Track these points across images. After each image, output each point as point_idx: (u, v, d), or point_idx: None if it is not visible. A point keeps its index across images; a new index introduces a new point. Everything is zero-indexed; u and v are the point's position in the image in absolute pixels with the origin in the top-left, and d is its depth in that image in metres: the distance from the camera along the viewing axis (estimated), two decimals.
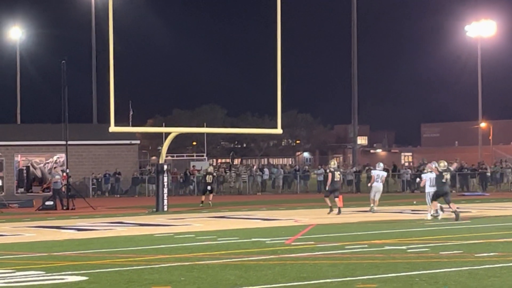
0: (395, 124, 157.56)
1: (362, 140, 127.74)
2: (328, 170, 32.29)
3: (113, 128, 30.65)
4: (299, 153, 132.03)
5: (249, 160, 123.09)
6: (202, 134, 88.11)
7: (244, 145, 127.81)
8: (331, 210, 29.26)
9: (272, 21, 33.93)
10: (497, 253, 15.93)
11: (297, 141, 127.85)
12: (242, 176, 52.08)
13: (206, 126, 69.86)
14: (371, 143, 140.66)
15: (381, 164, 31.51)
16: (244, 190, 51.21)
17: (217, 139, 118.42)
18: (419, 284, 12.11)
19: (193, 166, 57.45)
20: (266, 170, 53.99)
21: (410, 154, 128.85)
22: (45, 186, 50.75)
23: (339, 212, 28.96)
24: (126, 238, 21.11)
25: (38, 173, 52.58)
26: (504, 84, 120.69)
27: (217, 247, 18.02)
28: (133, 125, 65.74)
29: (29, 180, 51.87)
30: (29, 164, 52.31)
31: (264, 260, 15.49)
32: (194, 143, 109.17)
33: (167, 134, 36.85)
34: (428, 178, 26.92)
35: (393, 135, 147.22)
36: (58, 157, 50.96)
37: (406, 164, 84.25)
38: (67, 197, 36.80)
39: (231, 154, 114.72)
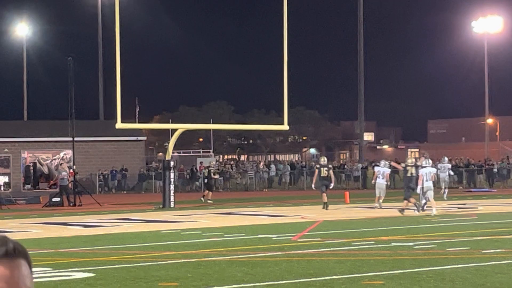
0: (401, 120, 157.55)
1: (368, 137, 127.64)
2: (315, 166, 32.66)
3: (119, 125, 30.71)
4: (305, 149, 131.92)
5: (256, 156, 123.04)
6: (208, 130, 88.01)
7: (251, 141, 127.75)
8: (325, 206, 29.31)
9: (279, 18, 33.95)
10: (504, 250, 15.90)
11: (304, 138, 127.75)
12: (249, 172, 52.09)
13: (213, 123, 69.81)
14: (378, 139, 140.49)
15: (385, 161, 31.85)
16: (250, 187, 51.20)
17: (224, 135, 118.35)
18: (425, 281, 12.08)
19: (201, 162, 57.45)
20: (272, 167, 53.98)
21: (417, 150, 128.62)
22: (52, 182, 50.78)
23: (325, 207, 29.09)
24: (132, 234, 21.14)
25: (45, 170, 52.62)
26: (511, 80, 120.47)
27: (223, 244, 18.02)
28: (139, 122, 65.83)
29: (36, 176, 51.91)
30: (36, 161, 52.34)
31: (271, 256, 15.48)
32: (201, 139, 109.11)
33: (174, 130, 36.82)
34: (424, 174, 27.15)
35: (399, 131, 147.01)
36: (64, 154, 50.97)
37: None
38: (74, 193, 36.86)
39: (237, 150, 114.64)
